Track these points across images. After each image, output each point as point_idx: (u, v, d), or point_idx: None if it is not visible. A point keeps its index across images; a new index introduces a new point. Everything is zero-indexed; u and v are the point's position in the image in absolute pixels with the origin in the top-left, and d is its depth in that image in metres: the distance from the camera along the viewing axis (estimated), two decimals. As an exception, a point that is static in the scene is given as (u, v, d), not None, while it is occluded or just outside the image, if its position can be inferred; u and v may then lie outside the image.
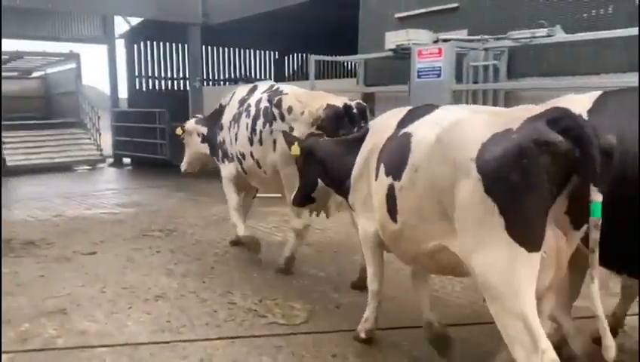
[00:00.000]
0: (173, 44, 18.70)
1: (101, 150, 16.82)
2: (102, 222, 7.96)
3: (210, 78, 19.59)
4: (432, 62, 6.70)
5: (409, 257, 3.18)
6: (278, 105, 4.85)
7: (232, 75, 20.26)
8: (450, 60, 6.58)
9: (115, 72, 17.65)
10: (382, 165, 3.11)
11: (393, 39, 7.47)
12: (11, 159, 15.25)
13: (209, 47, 19.11)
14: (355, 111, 4.51)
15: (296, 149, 4.11)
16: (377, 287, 3.73)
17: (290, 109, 4.77)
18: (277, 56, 21.42)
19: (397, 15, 8.83)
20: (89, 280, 5.26)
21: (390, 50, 7.67)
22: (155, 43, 18.31)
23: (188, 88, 15.84)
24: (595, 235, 2.21)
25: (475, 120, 2.57)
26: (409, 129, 2.97)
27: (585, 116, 2.54)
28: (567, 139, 2.21)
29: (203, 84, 14.86)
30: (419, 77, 6.87)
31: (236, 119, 5.52)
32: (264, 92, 5.29)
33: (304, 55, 21.84)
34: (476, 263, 2.44)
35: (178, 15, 13.98)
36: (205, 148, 6.39)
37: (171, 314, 4.42)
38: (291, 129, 4.71)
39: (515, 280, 2.30)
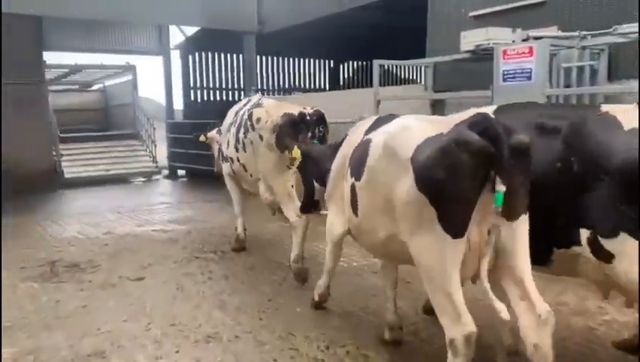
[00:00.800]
0: (228, 55, 18.44)
1: (156, 162, 16.67)
2: (152, 240, 7.46)
3: (265, 87, 19.20)
4: (520, 64, 5.80)
5: (369, 246, 3.64)
6: (250, 117, 5.63)
7: (287, 84, 19.81)
8: (543, 61, 5.65)
9: (171, 83, 17.53)
10: (349, 168, 3.56)
11: (471, 39, 6.61)
12: (69, 171, 15.28)
13: (263, 57, 18.74)
14: (308, 118, 5.19)
15: (296, 152, 4.71)
16: (327, 280, 4.49)
17: (258, 120, 5.52)
18: (332, 65, 20.83)
19: (472, 13, 7.93)
20: (134, 312, 4.68)
21: (467, 51, 6.81)
22: (209, 54, 18.10)
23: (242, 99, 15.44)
24: (495, 221, 2.64)
25: (416, 127, 2.97)
26: (371, 135, 3.37)
27: None
28: (484, 139, 2.56)
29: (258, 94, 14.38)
30: (504, 80, 5.98)
31: (229, 127, 6.36)
32: (252, 104, 6.07)
33: (359, 63, 21.18)
34: (413, 248, 2.87)
35: (233, 23, 13.59)
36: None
37: (224, 361, 3.75)
38: (261, 137, 5.48)
39: (442, 262, 2.70)
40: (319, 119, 5.24)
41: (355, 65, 21.16)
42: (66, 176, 15.07)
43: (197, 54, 17.82)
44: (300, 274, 5.29)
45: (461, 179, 2.57)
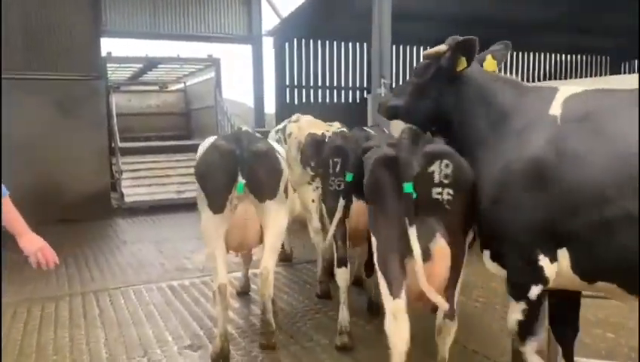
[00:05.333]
0: (334, 42, 14.22)
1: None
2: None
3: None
4: None
5: None
6: (284, 130, 5.90)
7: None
8: None
9: (262, 80, 13.56)
10: None
11: None
12: (130, 193, 11.73)
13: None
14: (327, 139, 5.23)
15: None
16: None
17: (290, 135, 5.72)
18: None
19: None
20: None
21: None
22: (311, 41, 13.95)
23: (366, 97, 11.06)
24: (240, 202, 3.75)
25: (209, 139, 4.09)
26: None
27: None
28: (229, 144, 3.73)
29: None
30: None
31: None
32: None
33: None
34: (201, 222, 3.92)
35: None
36: None
37: None
38: (290, 150, 5.55)
39: (210, 231, 3.83)
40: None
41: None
42: (127, 200, 11.55)
43: (295, 41, 13.75)
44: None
45: (213, 172, 3.67)
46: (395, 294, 2.75)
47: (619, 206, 2.21)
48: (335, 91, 14.33)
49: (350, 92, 14.33)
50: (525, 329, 2.66)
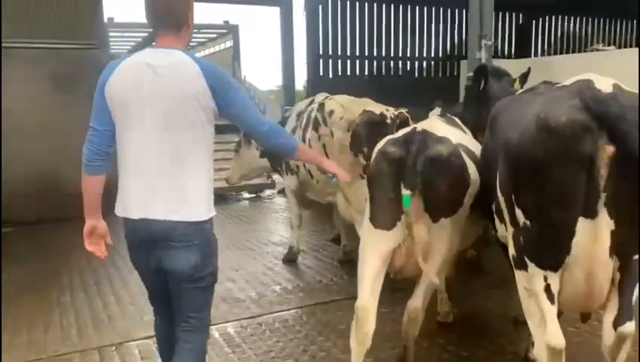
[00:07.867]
0: (383, 4, 12.36)
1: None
2: None
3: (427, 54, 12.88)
4: None
5: None
6: (321, 108, 5.01)
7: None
8: None
9: (292, 49, 11.68)
10: None
11: None
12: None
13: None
14: (389, 121, 4.59)
15: None
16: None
17: (331, 113, 4.87)
18: (521, 21, 14.26)
19: None
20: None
21: None
22: (349, 2, 12.06)
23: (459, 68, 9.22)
24: (409, 219, 2.86)
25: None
26: None
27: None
28: (399, 150, 2.99)
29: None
30: None
31: (294, 132, 5.50)
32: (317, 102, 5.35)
33: (561, 18, 14.46)
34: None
35: None
36: (265, 162, 6.46)
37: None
38: (332, 134, 4.79)
39: (365, 246, 3.15)
40: (402, 123, 4.47)
41: (554, 21, 14.49)
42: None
43: (330, 3, 11.86)
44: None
45: (380, 182, 3.06)
46: None
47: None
48: (375, 62, 12.45)
49: (400, 63, 12.54)
50: None
